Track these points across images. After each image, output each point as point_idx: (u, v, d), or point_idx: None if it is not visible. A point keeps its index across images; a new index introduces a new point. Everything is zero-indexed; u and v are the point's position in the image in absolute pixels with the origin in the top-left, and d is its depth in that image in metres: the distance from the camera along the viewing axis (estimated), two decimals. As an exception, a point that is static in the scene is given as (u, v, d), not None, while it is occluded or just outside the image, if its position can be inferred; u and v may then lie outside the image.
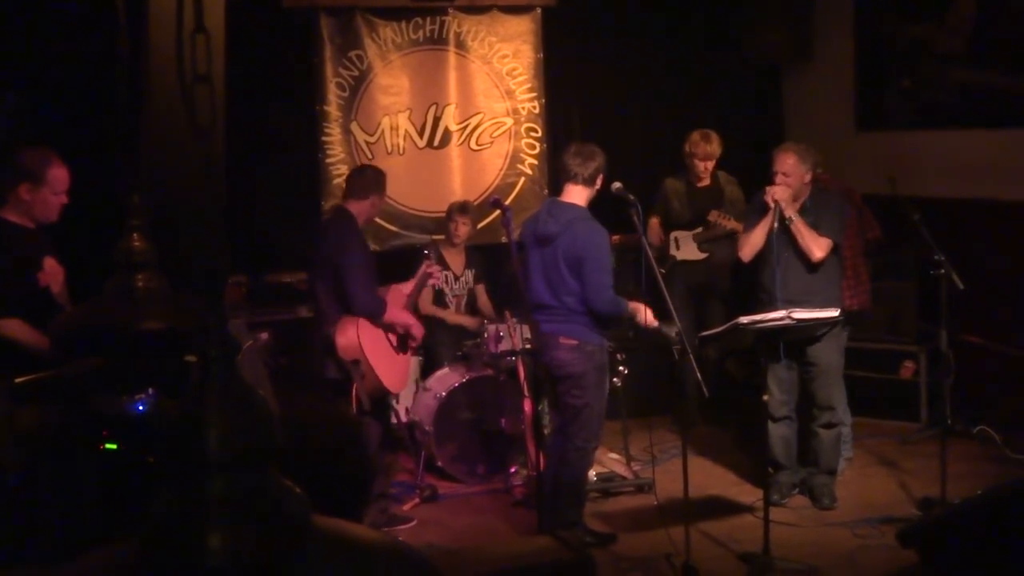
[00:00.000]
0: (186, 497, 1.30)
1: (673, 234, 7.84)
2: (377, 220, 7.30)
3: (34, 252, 4.87)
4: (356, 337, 5.78)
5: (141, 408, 3.91)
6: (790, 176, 6.08)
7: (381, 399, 6.12)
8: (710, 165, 7.69)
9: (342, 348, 5.79)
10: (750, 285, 6.68)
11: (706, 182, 7.79)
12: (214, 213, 2.93)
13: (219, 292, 3.51)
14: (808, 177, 6.15)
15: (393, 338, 6.09)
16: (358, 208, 6.01)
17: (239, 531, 1.27)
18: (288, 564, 1.29)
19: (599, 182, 5.70)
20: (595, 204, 5.78)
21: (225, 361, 1.31)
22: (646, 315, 5.64)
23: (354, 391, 5.73)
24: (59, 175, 4.89)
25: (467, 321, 7.49)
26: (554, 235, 5.58)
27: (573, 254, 5.54)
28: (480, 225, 7.85)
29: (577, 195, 5.68)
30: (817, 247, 6.09)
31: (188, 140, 2.70)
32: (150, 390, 3.81)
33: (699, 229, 7.72)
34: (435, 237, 7.73)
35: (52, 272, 4.88)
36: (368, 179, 6.11)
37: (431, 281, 6.65)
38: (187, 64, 2.59)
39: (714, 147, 7.63)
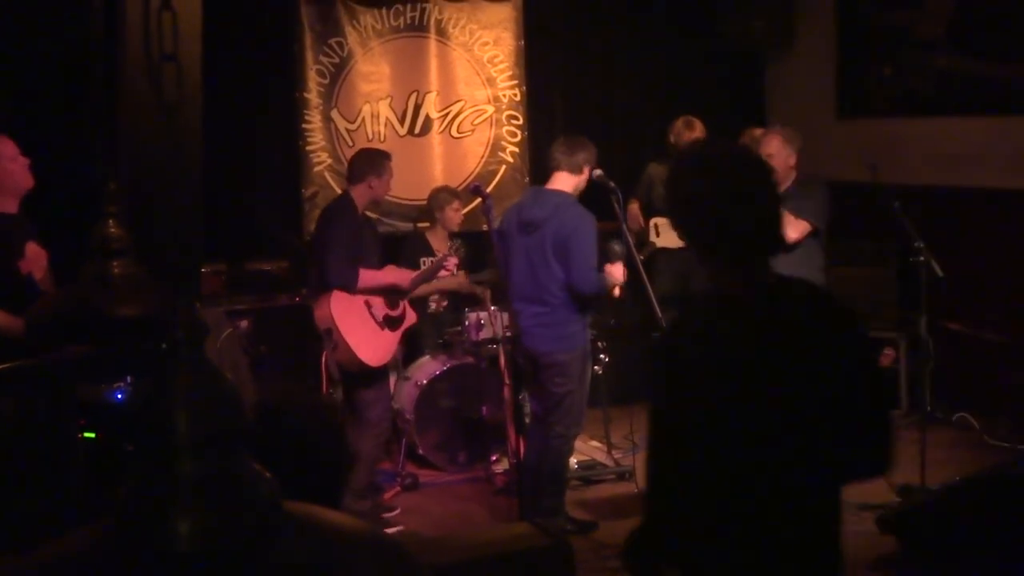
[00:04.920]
0: (154, 481, 1.28)
1: (653, 220, 7.84)
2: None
3: (14, 238, 4.85)
4: (328, 307, 5.82)
5: (119, 396, 3.89)
6: (775, 157, 6.09)
7: (374, 378, 6.09)
8: None
9: (316, 318, 5.91)
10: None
11: None
12: (187, 196, 2.90)
13: (190, 275, 3.48)
14: (792, 160, 6.17)
15: (379, 314, 6.07)
16: (357, 192, 6.10)
17: (208, 515, 1.26)
18: (258, 548, 1.28)
19: (586, 172, 5.68)
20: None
21: (193, 344, 1.30)
22: (612, 276, 5.65)
23: (323, 359, 5.80)
24: (5, 146, 4.88)
25: (462, 281, 7.31)
26: (540, 220, 5.57)
27: (561, 239, 5.53)
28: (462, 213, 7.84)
29: (562, 182, 5.68)
30: (791, 228, 6.09)
31: (159, 122, 2.67)
32: (128, 378, 3.79)
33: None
34: (420, 224, 7.71)
35: (35, 258, 4.86)
36: (362, 162, 6.17)
37: (441, 273, 6.61)
38: (154, 42, 2.57)
39: (697, 133, 7.64)
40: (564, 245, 5.51)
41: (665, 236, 7.83)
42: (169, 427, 1.26)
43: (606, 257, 5.65)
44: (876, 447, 2.69)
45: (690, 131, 7.63)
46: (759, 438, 2.61)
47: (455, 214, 7.38)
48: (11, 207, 4.93)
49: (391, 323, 6.14)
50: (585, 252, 5.53)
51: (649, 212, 7.85)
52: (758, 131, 7.21)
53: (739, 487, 2.65)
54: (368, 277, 5.96)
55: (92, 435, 3.81)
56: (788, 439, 2.60)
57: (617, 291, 5.71)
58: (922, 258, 5.98)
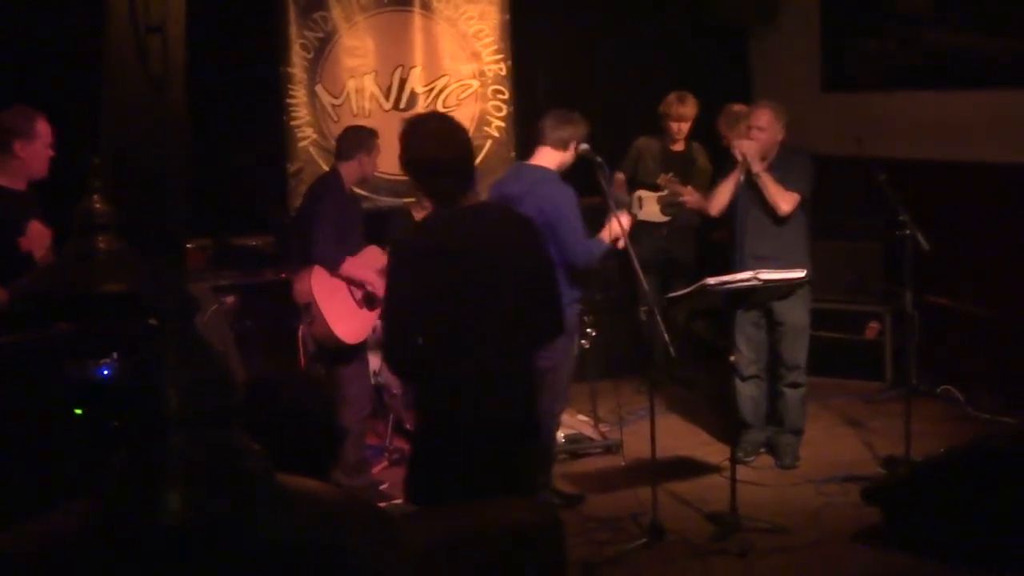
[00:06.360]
0: (144, 455, 1.29)
1: (637, 193, 7.85)
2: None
3: (17, 215, 4.89)
4: (309, 281, 5.84)
5: (106, 373, 3.88)
6: (765, 131, 6.12)
7: (352, 355, 6.09)
8: (684, 127, 7.71)
9: (296, 291, 5.93)
10: (713, 250, 6.68)
11: (680, 147, 7.81)
12: (174, 171, 2.89)
13: (177, 250, 3.47)
14: (780, 135, 6.19)
15: (359, 293, 6.08)
16: (346, 169, 6.13)
17: (199, 489, 1.26)
18: (247, 521, 1.28)
19: (572, 149, 5.63)
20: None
21: (182, 319, 1.30)
22: (612, 230, 5.65)
23: (300, 333, 5.81)
24: (45, 128, 5.01)
25: None
26: (517, 196, 5.53)
27: (544, 217, 5.50)
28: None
29: (545, 157, 5.65)
30: (784, 201, 6.12)
31: (144, 94, 2.66)
32: (115, 354, 3.78)
33: (664, 192, 7.72)
34: (406, 200, 7.69)
35: (37, 236, 4.87)
36: (352, 140, 6.21)
37: None
38: (139, 14, 2.55)
39: (688, 109, 7.65)
40: (549, 224, 5.47)
41: (648, 208, 7.84)
42: (160, 402, 1.26)
43: (616, 207, 5.66)
44: (554, 316, 4.17)
45: (682, 105, 7.65)
46: (477, 307, 3.90)
47: None
48: (20, 184, 5.06)
49: (370, 302, 6.14)
50: (573, 225, 5.51)
51: (634, 185, 7.86)
52: (738, 106, 7.22)
53: (463, 338, 3.91)
54: (349, 267, 5.99)
55: (79, 411, 3.81)
56: (495, 308, 3.91)
57: (621, 243, 5.66)
58: (907, 231, 6.00)
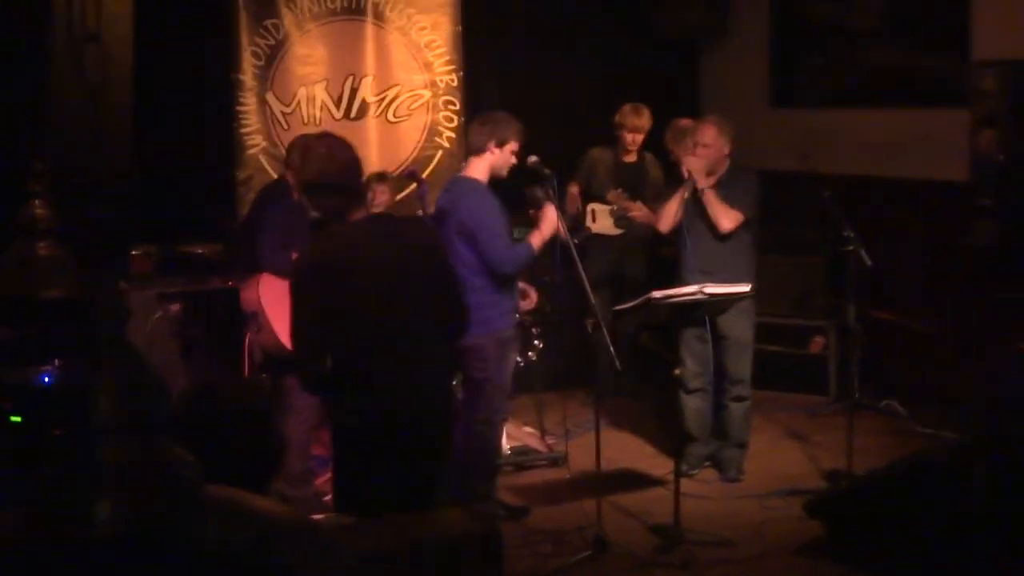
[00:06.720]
0: (74, 465, 1.28)
1: (591, 206, 7.87)
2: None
3: None
4: (256, 289, 5.80)
5: (47, 380, 3.83)
6: (710, 147, 6.17)
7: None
8: (639, 138, 7.75)
9: (243, 300, 5.89)
10: (665, 263, 6.72)
11: (633, 158, 7.84)
12: (114, 177, 2.87)
13: (112, 257, 3.45)
14: (727, 150, 6.24)
15: None
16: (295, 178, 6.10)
17: (128, 498, 1.25)
18: (177, 531, 1.27)
19: (493, 150, 5.56)
20: (511, 178, 5.74)
21: (113, 328, 1.29)
22: (545, 226, 5.59)
23: (246, 342, 5.80)
24: None
25: None
26: (447, 209, 5.57)
27: (465, 228, 5.49)
28: (397, 198, 7.80)
29: (475, 167, 5.63)
30: (726, 219, 6.17)
31: (85, 102, 2.64)
32: (56, 361, 3.74)
33: (625, 208, 7.74)
34: (375, 211, 7.65)
35: None
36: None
37: None
38: (77, 23, 2.53)
39: (643, 121, 7.69)
40: (469, 232, 5.46)
41: (601, 222, 7.87)
42: (89, 411, 1.25)
43: (533, 206, 5.66)
44: (457, 313, 4.40)
45: (637, 116, 7.68)
46: (380, 315, 4.12)
47: (381, 196, 7.33)
48: None
49: None
50: (493, 232, 5.48)
51: (587, 198, 7.88)
52: (685, 121, 7.28)
53: (385, 340, 4.13)
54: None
55: (18, 419, 3.76)
56: (397, 313, 4.15)
57: (559, 230, 5.63)
58: (851, 247, 6.06)
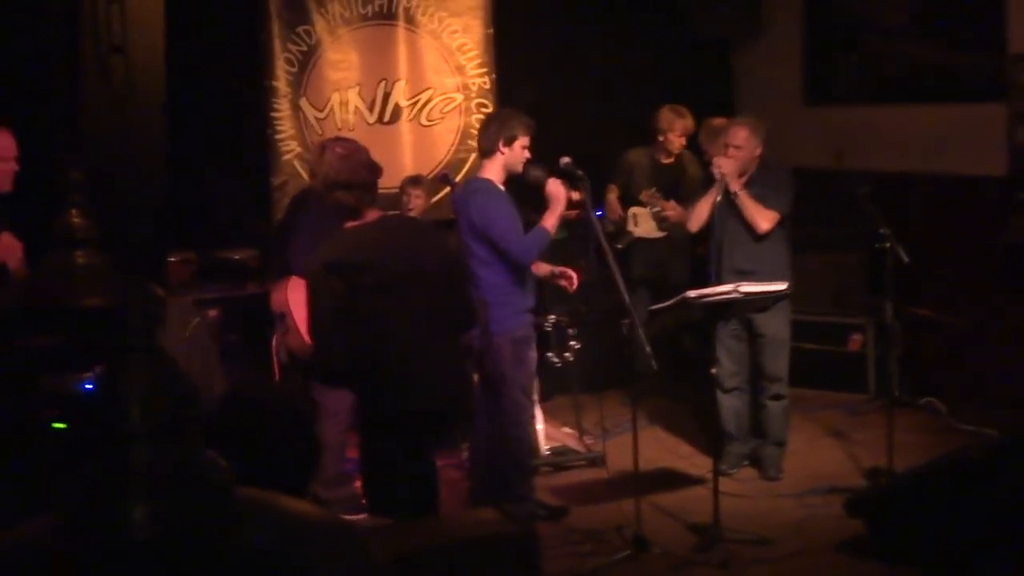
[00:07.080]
0: (108, 469, 1.29)
1: (631, 210, 7.83)
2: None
3: None
4: (286, 291, 5.83)
5: (89, 387, 3.88)
6: (742, 148, 6.14)
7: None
8: (684, 140, 7.70)
9: (272, 301, 5.91)
10: (703, 263, 6.69)
11: (670, 159, 7.79)
12: (147, 185, 2.90)
13: (146, 263, 3.50)
14: (759, 151, 6.20)
15: None
16: None
17: (162, 502, 1.27)
18: (212, 535, 1.29)
19: (503, 148, 5.53)
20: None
21: (146, 333, 1.31)
22: (555, 204, 5.57)
23: (274, 342, 5.83)
24: (8, 142, 4.87)
25: None
26: (458, 212, 5.61)
27: (476, 227, 5.51)
28: (432, 201, 7.82)
29: (488, 169, 5.64)
30: (763, 219, 6.15)
31: (113, 112, 2.67)
32: (97, 368, 3.78)
33: (656, 208, 7.71)
34: (390, 213, 7.68)
35: (8, 248, 4.83)
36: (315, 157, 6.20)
37: None
38: (103, 34, 2.56)
39: (689, 121, 7.62)
40: (484, 231, 5.47)
41: (643, 225, 7.83)
42: (122, 415, 1.27)
43: (535, 186, 5.63)
44: (469, 311, 4.91)
45: (683, 119, 7.60)
46: (394, 310, 4.53)
47: (416, 201, 7.35)
48: None
49: None
50: (505, 225, 5.47)
51: (627, 200, 7.84)
52: (718, 121, 7.22)
53: (393, 334, 4.58)
54: None
55: (62, 425, 3.81)
56: (425, 302, 4.61)
57: (574, 195, 5.64)
58: (888, 244, 6.02)
